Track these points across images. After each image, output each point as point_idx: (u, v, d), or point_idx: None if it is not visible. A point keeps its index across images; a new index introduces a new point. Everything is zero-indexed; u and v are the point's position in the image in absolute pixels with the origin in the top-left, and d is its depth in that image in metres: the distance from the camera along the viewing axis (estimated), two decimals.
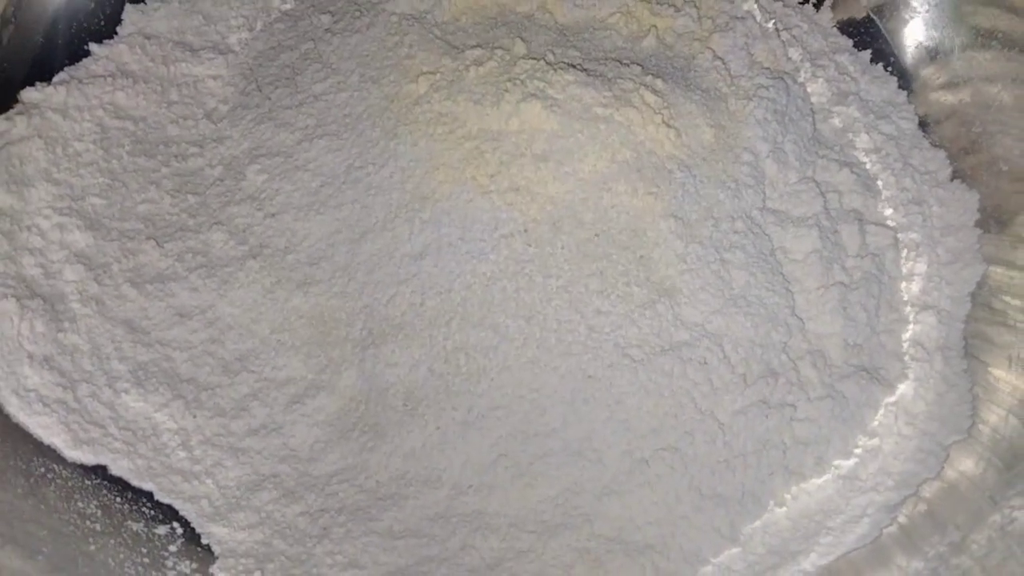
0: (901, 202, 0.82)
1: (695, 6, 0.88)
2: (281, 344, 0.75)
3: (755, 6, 0.91)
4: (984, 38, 0.85)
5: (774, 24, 0.90)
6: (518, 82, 0.77)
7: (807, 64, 0.89)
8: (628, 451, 0.68)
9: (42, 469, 0.66)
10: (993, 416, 0.72)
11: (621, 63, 0.82)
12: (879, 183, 0.83)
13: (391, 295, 0.73)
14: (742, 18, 0.88)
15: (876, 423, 0.72)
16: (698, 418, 0.69)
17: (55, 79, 0.85)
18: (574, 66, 0.79)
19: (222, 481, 0.70)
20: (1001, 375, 0.74)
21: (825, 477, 0.70)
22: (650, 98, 0.77)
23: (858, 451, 0.71)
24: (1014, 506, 0.65)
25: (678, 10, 0.87)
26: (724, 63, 0.84)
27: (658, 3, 0.88)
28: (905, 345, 0.76)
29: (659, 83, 0.79)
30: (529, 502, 0.68)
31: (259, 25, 0.94)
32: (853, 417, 0.71)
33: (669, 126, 0.76)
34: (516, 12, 0.88)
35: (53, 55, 0.87)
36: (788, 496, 0.70)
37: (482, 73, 0.79)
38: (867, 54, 0.92)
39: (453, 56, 0.81)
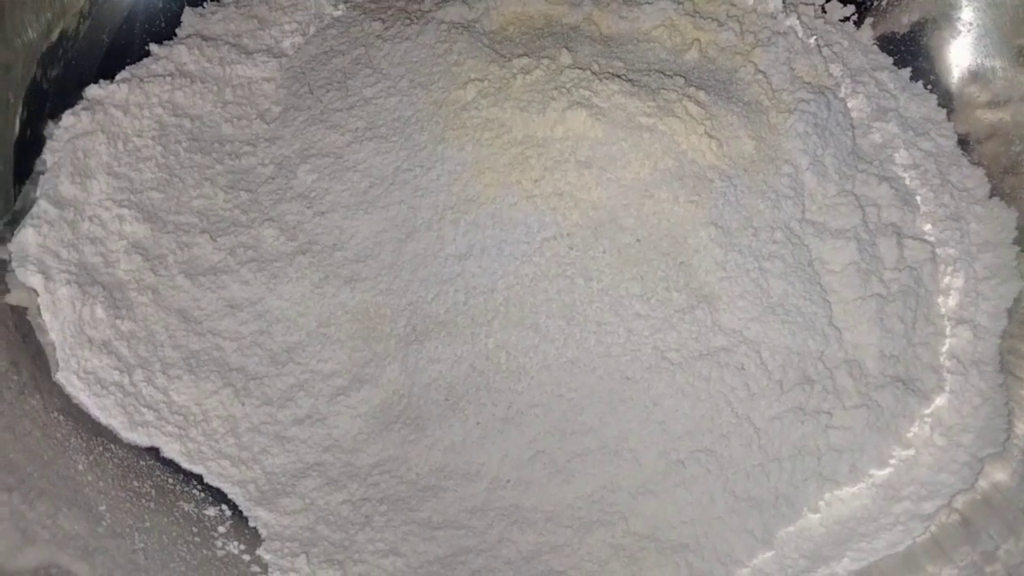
0: (939, 218, 0.83)
1: (738, 21, 0.90)
2: (327, 337, 0.77)
3: (797, 22, 0.92)
4: None
5: (816, 40, 0.91)
6: (564, 90, 0.79)
7: (848, 80, 0.90)
8: (664, 452, 0.70)
9: (100, 448, 0.69)
10: None
11: (665, 74, 0.83)
12: (917, 198, 0.84)
13: (435, 293, 0.75)
14: (784, 33, 0.89)
15: (911, 434, 0.73)
16: (734, 422, 0.70)
17: (117, 77, 0.88)
18: (619, 76, 0.81)
19: (269, 468, 0.72)
20: None
21: (859, 485, 0.71)
22: (693, 109, 0.78)
23: (893, 461, 0.72)
24: None
25: (721, 24, 0.89)
26: (766, 77, 0.85)
27: (701, 17, 0.90)
28: (941, 358, 0.76)
29: (702, 95, 0.80)
30: (565, 498, 0.69)
31: (312, 30, 0.98)
32: (888, 427, 0.72)
33: (711, 136, 0.77)
34: (562, 23, 0.90)
35: (117, 54, 0.90)
36: (822, 502, 0.70)
37: (529, 81, 0.81)
38: (907, 71, 0.93)
39: (501, 64, 0.83)
